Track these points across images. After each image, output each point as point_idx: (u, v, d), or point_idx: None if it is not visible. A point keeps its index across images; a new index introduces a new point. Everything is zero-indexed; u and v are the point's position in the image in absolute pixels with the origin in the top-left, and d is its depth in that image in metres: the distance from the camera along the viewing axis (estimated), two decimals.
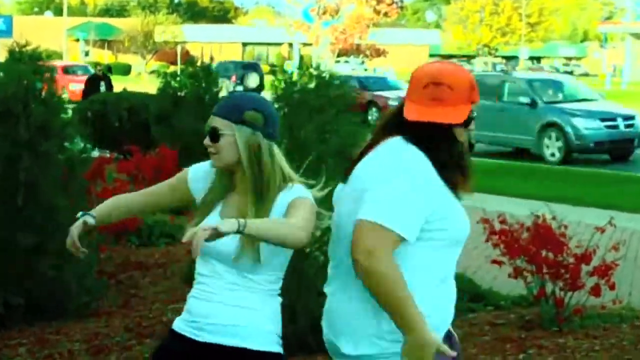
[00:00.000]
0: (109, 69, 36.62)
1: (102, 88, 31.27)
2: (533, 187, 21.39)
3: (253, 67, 63.99)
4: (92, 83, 32.30)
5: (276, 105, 10.84)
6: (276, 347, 5.36)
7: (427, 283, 5.19)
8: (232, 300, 5.30)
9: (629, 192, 20.84)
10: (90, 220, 5.66)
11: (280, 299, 5.48)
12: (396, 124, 5.28)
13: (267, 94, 10.81)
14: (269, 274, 5.35)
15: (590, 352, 10.29)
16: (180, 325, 5.48)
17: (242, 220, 4.74)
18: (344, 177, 5.42)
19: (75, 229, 5.59)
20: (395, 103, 38.21)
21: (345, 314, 5.28)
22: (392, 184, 5.03)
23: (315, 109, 10.74)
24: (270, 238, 4.91)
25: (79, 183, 13.04)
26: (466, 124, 5.27)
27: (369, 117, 44.49)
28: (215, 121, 5.36)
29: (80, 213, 5.68)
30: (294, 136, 10.62)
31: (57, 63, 58.52)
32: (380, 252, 4.88)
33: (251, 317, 5.29)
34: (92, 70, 34.16)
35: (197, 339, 5.36)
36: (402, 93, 39.25)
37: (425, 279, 5.18)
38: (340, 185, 5.48)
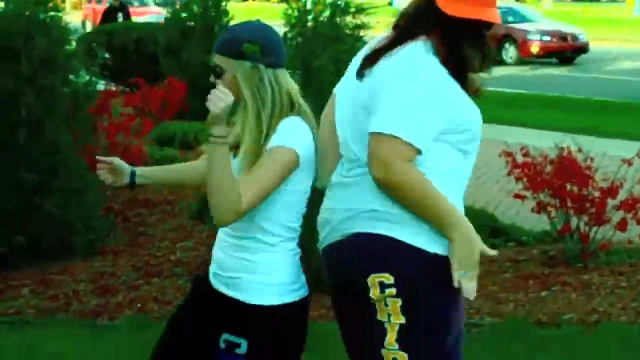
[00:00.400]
0: None
1: (120, 19, 30.81)
2: (557, 118, 21.15)
3: None
4: (108, 14, 31.08)
5: (289, 35, 10.68)
6: (274, 299, 5.21)
7: (456, 186, 5.16)
8: (234, 251, 5.26)
9: None
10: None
11: (291, 248, 5.33)
12: (425, 17, 5.13)
13: (279, 23, 10.70)
14: (266, 227, 5.23)
15: (616, 289, 10.16)
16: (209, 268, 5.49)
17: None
18: (359, 75, 5.21)
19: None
20: (536, 37, 40.68)
21: None
22: (405, 93, 4.96)
23: (331, 38, 10.54)
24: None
25: (85, 117, 12.89)
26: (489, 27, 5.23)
27: (502, 55, 41.68)
28: (217, 58, 5.25)
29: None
30: (307, 67, 10.44)
31: None
32: (396, 164, 4.86)
33: (246, 270, 5.25)
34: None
35: (212, 285, 5.36)
36: (542, 26, 41.49)
37: (453, 182, 5.15)
38: (349, 84, 5.33)
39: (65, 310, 10.47)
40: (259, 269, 5.18)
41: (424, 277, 5.07)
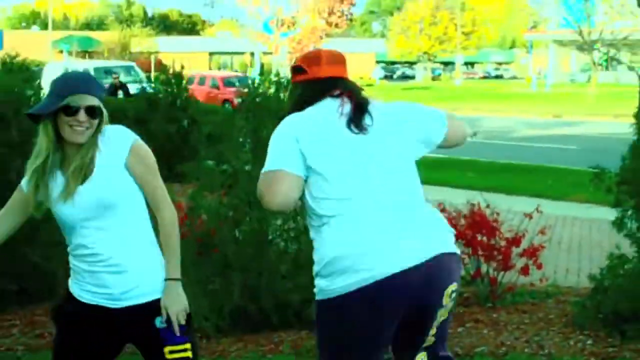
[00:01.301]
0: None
1: (120, 96, 30.04)
2: (469, 179, 21.22)
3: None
4: (112, 91, 30.95)
5: (240, 108, 10.73)
6: None
7: None
8: None
9: (554, 182, 20.80)
10: None
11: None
12: None
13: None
14: None
15: (521, 325, 10.22)
16: None
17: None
18: (362, 129, 5.32)
19: None
20: None
21: None
22: None
23: (275, 111, 10.54)
24: None
25: None
26: None
27: None
28: (90, 99, 5.10)
29: None
30: (257, 136, 10.45)
31: (217, 74, 58.72)
32: None
33: None
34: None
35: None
36: None
37: None
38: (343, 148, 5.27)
39: (51, 347, 10.39)
40: None
41: None
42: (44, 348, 10.35)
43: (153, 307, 5.31)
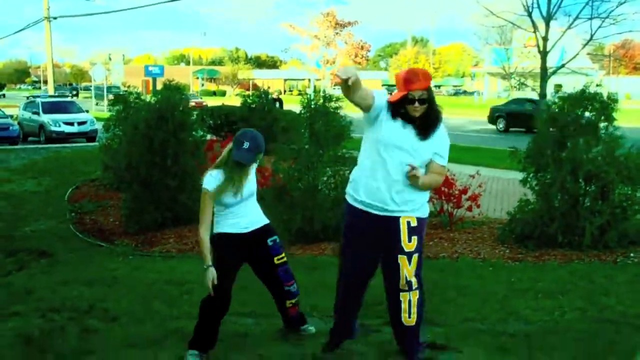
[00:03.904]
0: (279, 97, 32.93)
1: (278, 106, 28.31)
2: None
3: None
4: (272, 103, 28.42)
5: (303, 112, 10.74)
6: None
7: None
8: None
9: (488, 156, 20.68)
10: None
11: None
12: None
13: (297, 107, 10.77)
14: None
15: (467, 241, 10.18)
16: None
17: None
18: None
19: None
20: None
21: None
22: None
23: (323, 113, 10.56)
24: None
25: (200, 153, 12.91)
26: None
27: None
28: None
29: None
30: (312, 129, 10.46)
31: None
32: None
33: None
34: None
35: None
36: None
37: None
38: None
39: (191, 250, 10.51)
40: None
41: None
42: (188, 252, 10.47)
43: (265, 230, 5.47)
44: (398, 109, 4.72)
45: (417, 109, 4.68)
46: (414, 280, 4.85)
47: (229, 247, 5.31)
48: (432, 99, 4.73)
